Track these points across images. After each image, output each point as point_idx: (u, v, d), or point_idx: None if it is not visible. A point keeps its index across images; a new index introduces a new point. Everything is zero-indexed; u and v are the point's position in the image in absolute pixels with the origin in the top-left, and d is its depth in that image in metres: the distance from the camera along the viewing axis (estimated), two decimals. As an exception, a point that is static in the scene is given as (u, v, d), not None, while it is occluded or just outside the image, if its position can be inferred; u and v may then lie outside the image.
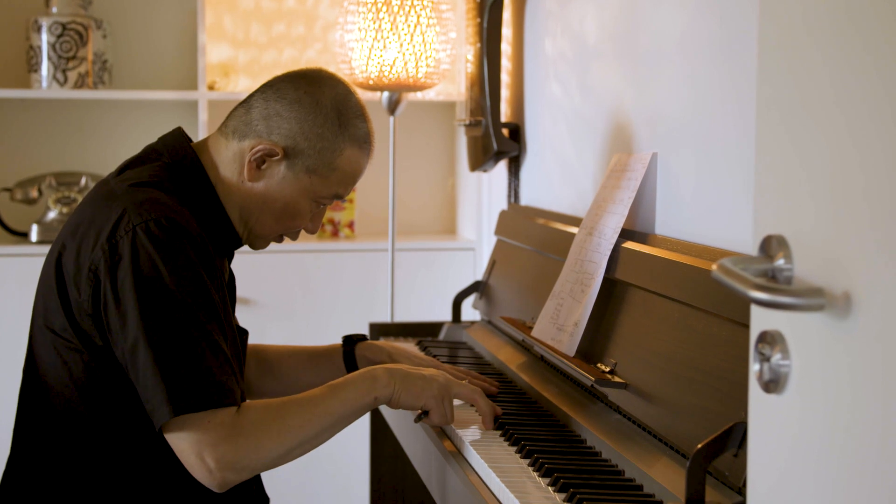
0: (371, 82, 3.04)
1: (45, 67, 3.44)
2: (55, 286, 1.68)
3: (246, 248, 1.89)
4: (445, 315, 3.06)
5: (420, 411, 1.79)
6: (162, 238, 1.61)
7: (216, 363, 1.59)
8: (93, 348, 1.65)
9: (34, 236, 3.46)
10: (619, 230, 1.94)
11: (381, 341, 2.10)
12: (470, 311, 2.88)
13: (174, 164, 1.77)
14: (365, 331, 3.08)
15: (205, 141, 1.83)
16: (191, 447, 1.57)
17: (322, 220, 1.88)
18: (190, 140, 1.82)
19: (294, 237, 1.87)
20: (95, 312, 1.63)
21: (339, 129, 1.78)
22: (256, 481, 1.82)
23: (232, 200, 1.79)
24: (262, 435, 1.60)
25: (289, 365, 2.07)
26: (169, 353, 1.57)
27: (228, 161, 1.79)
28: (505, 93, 2.94)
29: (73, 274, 1.65)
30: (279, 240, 1.87)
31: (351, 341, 2.05)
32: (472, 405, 1.84)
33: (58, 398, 1.69)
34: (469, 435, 1.78)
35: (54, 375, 1.69)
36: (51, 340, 1.68)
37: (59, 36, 3.42)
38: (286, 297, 3.47)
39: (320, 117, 1.77)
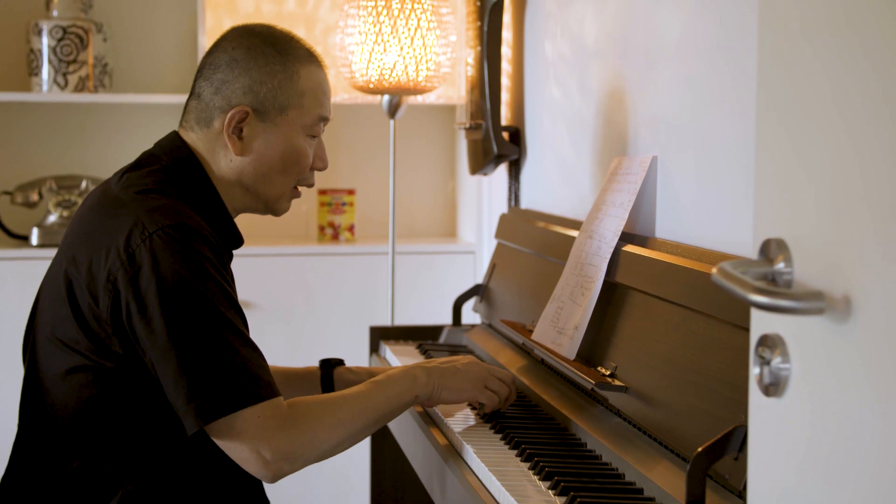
0: (371, 86, 3.04)
1: (45, 71, 3.44)
2: (65, 296, 1.66)
3: (245, 250, 1.89)
4: (446, 318, 3.06)
5: (474, 406, 1.85)
6: (179, 243, 1.61)
7: (249, 358, 1.60)
8: (111, 358, 1.63)
9: (34, 240, 3.46)
10: (620, 233, 1.94)
11: (359, 366, 2.09)
12: (470, 315, 2.88)
13: (173, 166, 1.76)
14: (365, 334, 3.08)
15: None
16: (244, 443, 1.58)
17: (325, 152, 1.85)
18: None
19: (311, 182, 1.85)
20: (116, 322, 1.62)
21: (282, 57, 1.77)
22: (257, 485, 1.82)
23: (232, 189, 1.78)
24: (315, 427, 1.62)
25: None
26: (202, 354, 1.57)
27: (209, 150, 1.78)
28: (505, 96, 2.94)
29: (87, 283, 1.64)
30: (297, 193, 1.85)
31: (329, 365, 2.04)
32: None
33: (61, 410, 1.68)
34: (469, 438, 1.78)
35: (60, 387, 1.67)
36: (59, 352, 1.67)
37: (60, 39, 3.43)
38: (286, 300, 3.47)
39: (261, 58, 1.77)
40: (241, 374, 1.58)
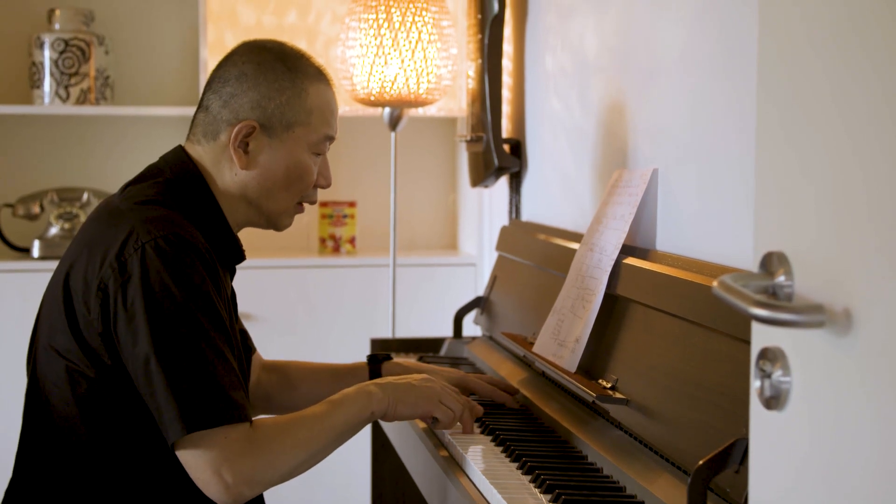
0: (372, 98, 3.05)
1: (47, 83, 3.45)
2: (62, 306, 1.67)
3: (246, 263, 1.89)
4: (447, 330, 3.06)
5: (429, 419, 1.83)
6: (171, 254, 1.61)
7: (227, 379, 1.60)
8: (101, 367, 1.64)
9: (36, 252, 3.46)
10: (620, 246, 1.94)
11: (406, 360, 2.10)
12: (471, 327, 2.88)
13: (176, 179, 1.77)
14: (366, 346, 3.08)
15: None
16: (206, 463, 1.57)
17: (329, 170, 1.86)
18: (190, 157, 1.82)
19: (313, 199, 1.85)
20: (105, 330, 1.63)
21: (291, 74, 1.78)
22: (258, 498, 1.82)
23: (235, 203, 1.79)
24: (276, 449, 1.62)
25: (312, 382, 2.07)
26: (180, 369, 1.57)
27: (214, 164, 1.78)
28: (506, 108, 2.95)
29: (82, 292, 1.65)
30: (300, 209, 1.85)
31: (376, 360, 2.06)
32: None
33: (61, 419, 1.68)
34: (470, 450, 1.78)
35: (58, 396, 1.68)
36: (55, 361, 1.68)
37: (62, 52, 3.43)
38: (287, 312, 3.47)
39: (270, 73, 1.77)
40: (216, 393, 1.58)
